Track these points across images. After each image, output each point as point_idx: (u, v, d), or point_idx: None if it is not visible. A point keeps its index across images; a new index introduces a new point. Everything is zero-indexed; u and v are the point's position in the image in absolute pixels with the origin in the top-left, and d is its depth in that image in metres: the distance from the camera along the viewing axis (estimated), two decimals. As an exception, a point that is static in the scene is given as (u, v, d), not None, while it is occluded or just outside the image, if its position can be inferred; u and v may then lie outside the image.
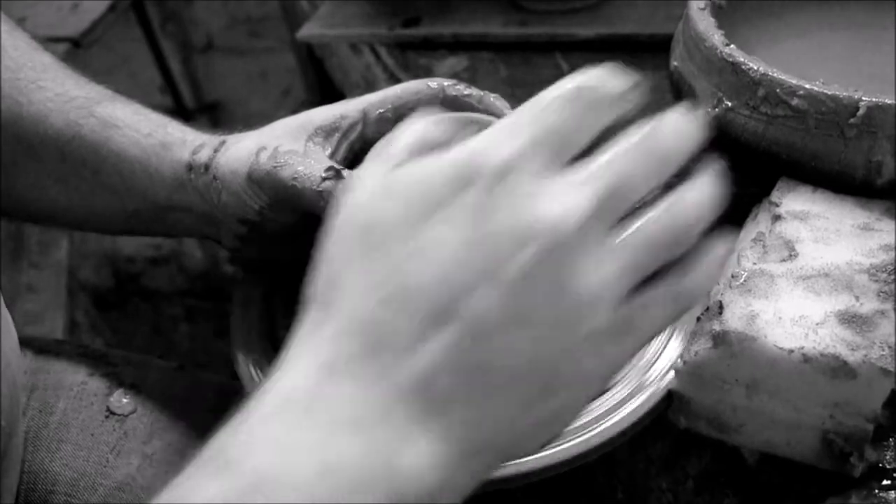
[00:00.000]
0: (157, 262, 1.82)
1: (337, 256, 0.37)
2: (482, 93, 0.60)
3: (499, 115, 0.59)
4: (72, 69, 0.65)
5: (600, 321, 0.35)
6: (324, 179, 0.54)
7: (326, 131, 0.57)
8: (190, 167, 0.59)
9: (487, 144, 0.36)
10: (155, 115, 0.63)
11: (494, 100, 0.60)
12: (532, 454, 0.49)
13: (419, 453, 0.33)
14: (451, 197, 0.35)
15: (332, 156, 0.57)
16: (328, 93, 1.08)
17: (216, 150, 0.58)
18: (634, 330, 0.37)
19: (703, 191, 0.39)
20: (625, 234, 0.36)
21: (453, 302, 0.34)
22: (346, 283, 0.35)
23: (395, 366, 0.34)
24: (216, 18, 1.97)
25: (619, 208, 0.36)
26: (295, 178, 0.54)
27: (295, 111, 0.60)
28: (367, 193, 0.37)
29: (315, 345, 0.35)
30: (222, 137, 0.60)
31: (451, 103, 0.58)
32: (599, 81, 0.37)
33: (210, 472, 0.33)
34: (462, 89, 0.59)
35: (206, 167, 0.58)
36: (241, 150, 0.57)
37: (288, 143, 0.56)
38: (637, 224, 0.36)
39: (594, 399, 0.48)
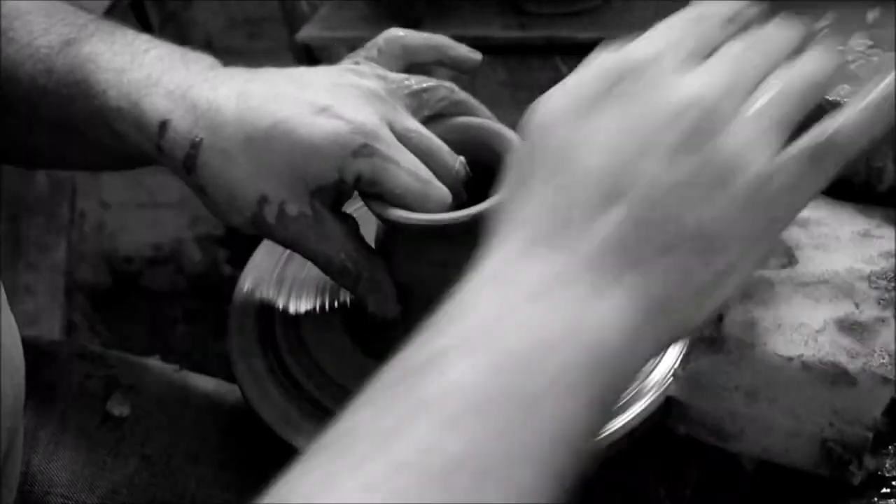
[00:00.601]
0: (155, 262, 1.82)
1: (522, 158, 0.43)
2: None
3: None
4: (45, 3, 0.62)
5: (750, 177, 0.40)
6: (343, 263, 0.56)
7: (327, 192, 0.55)
8: (160, 149, 0.56)
9: (633, 48, 0.43)
10: (120, 48, 0.58)
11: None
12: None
13: (607, 310, 0.38)
14: (606, 92, 0.41)
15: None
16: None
17: (194, 150, 0.55)
18: (782, 190, 0.41)
19: (816, 55, 0.44)
20: (759, 100, 0.41)
21: (619, 179, 0.39)
22: (529, 178, 0.41)
23: (578, 239, 0.39)
24: (215, 19, 1.97)
25: (751, 81, 0.42)
26: (314, 255, 0.56)
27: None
28: (541, 108, 0.43)
29: (509, 230, 0.41)
30: (192, 135, 0.55)
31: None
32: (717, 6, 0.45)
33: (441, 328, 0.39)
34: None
35: (186, 168, 0.55)
36: (233, 181, 0.55)
37: (292, 201, 0.55)
38: (767, 89, 0.42)
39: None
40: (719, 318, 0.51)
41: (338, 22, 1.09)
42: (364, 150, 0.53)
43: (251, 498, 0.35)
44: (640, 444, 0.54)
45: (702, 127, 0.40)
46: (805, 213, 0.56)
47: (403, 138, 0.55)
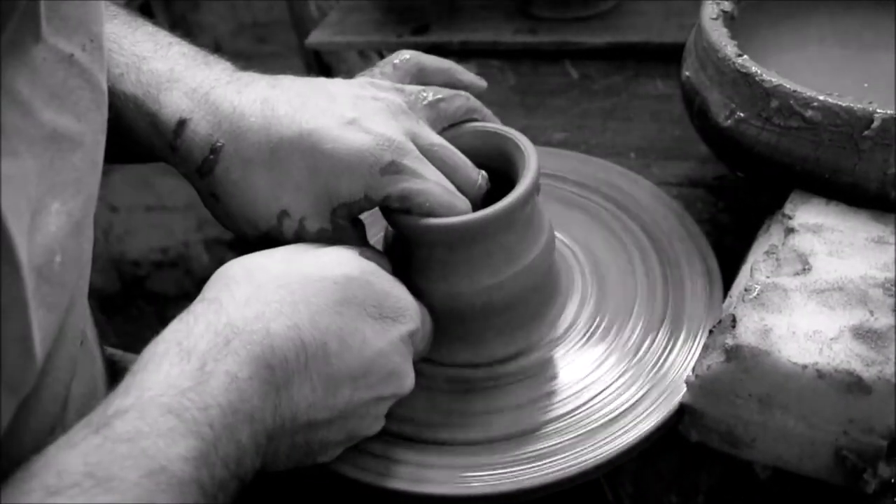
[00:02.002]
0: (163, 265, 1.82)
1: None
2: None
3: None
4: None
5: None
6: None
7: (350, 209, 0.54)
8: (173, 149, 0.55)
9: None
10: (142, 36, 0.58)
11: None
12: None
13: None
14: None
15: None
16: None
17: (214, 155, 0.54)
18: None
19: None
20: None
21: None
22: None
23: None
24: (223, 23, 1.97)
25: None
26: None
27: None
28: None
29: None
30: (213, 139, 0.54)
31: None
32: None
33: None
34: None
35: (201, 173, 0.54)
36: (252, 192, 0.54)
37: (312, 216, 0.54)
38: None
39: None
40: (733, 326, 0.50)
41: (347, 26, 1.08)
42: (392, 167, 0.53)
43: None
44: (650, 451, 0.54)
45: None
46: (819, 220, 0.56)
47: (428, 152, 0.55)
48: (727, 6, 0.67)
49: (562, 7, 0.98)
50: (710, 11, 0.66)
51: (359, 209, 0.55)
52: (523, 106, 0.89)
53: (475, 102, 0.61)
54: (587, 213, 0.67)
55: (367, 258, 0.53)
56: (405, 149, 0.53)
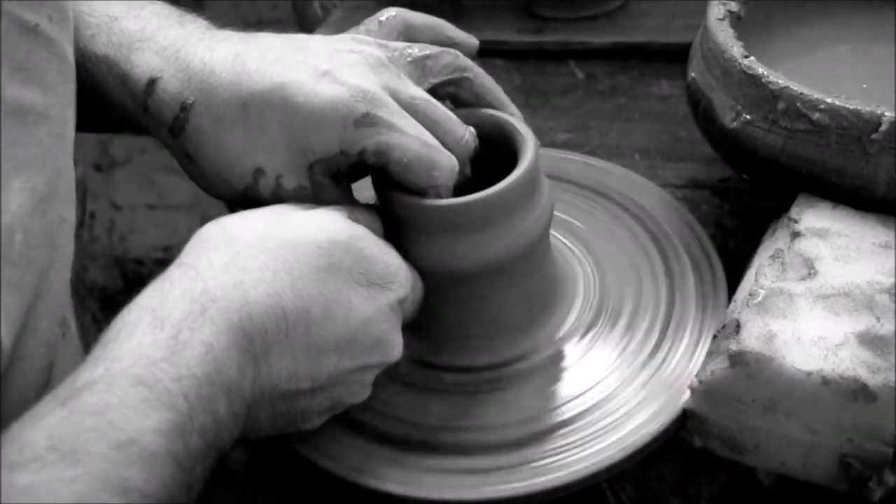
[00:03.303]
0: (165, 263, 1.81)
1: None
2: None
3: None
4: None
5: None
6: None
7: (327, 164, 0.52)
8: (145, 109, 0.53)
9: None
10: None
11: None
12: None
13: None
14: None
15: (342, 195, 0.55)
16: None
17: (184, 113, 0.52)
18: None
19: None
20: None
21: None
22: None
23: None
24: (228, 22, 1.98)
25: None
26: None
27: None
28: None
29: None
30: (183, 97, 0.52)
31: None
32: None
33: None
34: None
35: (173, 132, 0.53)
36: (225, 150, 0.52)
37: (288, 173, 0.52)
38: None
39: None
40: (737, 331, 0.50)
41: (350, 25, 1.07)
42: (366, 118, 0.51)
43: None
44: (653, 456, 0.53)
45: None
46: (825, 224, 0.55)
47: (408, 106, 0.53)
48: (734, 7, 0.66)
49: (567, 7, 0.97)
50: (716, 12, 0.65)
51: (336, 165, 0.52)
52: (527, 106, 0.88)
53: (464, 61, 0.58)
54: (590, 216, 0.67)
55: (356, 220, 0.51)
56: (381, 101, 0.51)
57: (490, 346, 0.58)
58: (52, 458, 0.37)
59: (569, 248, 0.64)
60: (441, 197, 0.53)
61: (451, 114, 0.55)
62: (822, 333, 0.49)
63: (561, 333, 0.59)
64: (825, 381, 0.47)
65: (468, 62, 0.59)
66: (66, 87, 0.46)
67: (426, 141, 0.52)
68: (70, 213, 0.48)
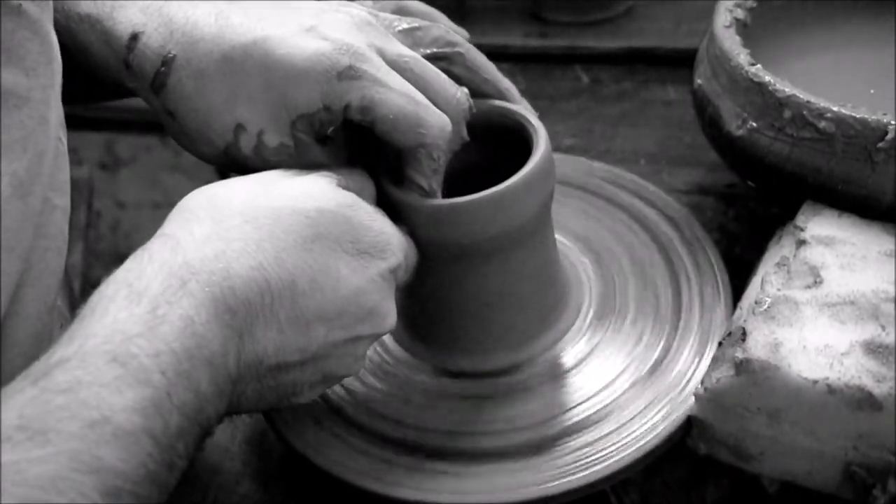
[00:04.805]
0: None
1: None
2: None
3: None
4: None
5: None
6: None
7: (310, 121, 0.51)
8: (127, 66, 0.52)
9: None
10: None
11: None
12: None
13: None
14: None
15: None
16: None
17: (165, 67, 0.51)
18: None
19: None
20: None
21: None
22: None
23: None
24: None
25: None
26: None
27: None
28: None
29: None
30: (165, 51, 0.51)
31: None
32: None
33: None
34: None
35: (155, 89, 0.52)
36: (206, 105, 0.51)
37: (272, 130, 0.51)
38: None
39: None
40: (743, 339, 0.50)
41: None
42: (350, 71, 0.49)
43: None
44: (657, 463, 0.54)
45: None
46: (831, 232, 0.55)
47: (395, 64, 0.52)
48: (740, 14, 0.66)
49: (573, 11, 0.98)
50: (722, 19, 0.65)
51: (320, 122, 0.51)
52: (534, 109, 0.88)
53: (455, 36, 0.57)
54: (596, 221, 0.67)
55: (345, 188, 0.50)
56: (366, 55, 0.50)
57: (497, 350, 0.58)
58: (21, 438, 0.36)
59: (573, 252, 0.64)
60: (433, 158, 0.52)
61: (441, 73, 0.54)
62: (827, 342, 0.49)
63: (567, 339, 0.59)
64: (831, 390, 0.47)
65: (459, 38, 0.58)
66: (49, 69, 0.45)
67: (413, 97, 0.51)
68: (62, 200, 0.48)
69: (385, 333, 0.51)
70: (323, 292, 0.46)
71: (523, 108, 0.58)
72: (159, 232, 0.46)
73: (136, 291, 0.42)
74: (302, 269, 0.46)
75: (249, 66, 0.50)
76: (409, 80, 0.52)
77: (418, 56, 0.53)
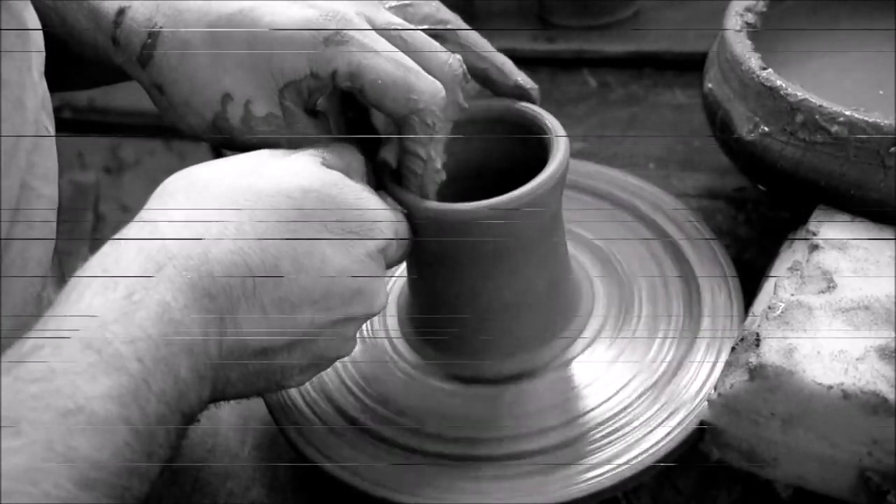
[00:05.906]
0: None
1: None
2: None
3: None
4: None
5: None
6: None
7: (298, 89, 0.50)
8: (115, 42, 0.52)
9: None
10: None
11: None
12: None
13: None
14: None
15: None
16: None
17: (151, 39, 0.51)
18: None
19: None
20: None
21: None
22: None
23: None
24: None
25: None
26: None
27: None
28: None
29: None
30: (151, 23, 0.51)
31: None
32: None
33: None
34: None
35: (142, 62, 0.51)
36: (192, 75, 0.50)
37: (259, 99, 0.50)
38: None
39: None
40: (757, 344, 0.50)
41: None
42: (336, 37, 0.49)
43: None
44: (672, 469, 0.53)
45: None
46: (844, 237, 0.55)
47: (385, 33, 0.51)
48: (750, 18, 0.66)
49: (580, 15, 0.97)
50: (733, 23, 0.65)
51: (308, 90, 0.51)
52: (541, 114, 0.88)
53: (447, 13, 0.57)
54: (606, 226, 0.67)
55: (331, 166, 0.49)
56: (353, 21, 0.50)
57: (510, 356, 0.58)
58: None
59: (583, 257, 0.64)
60: (427, 124, 0.51)
61: (432, 41, 0.53)
62: (841, 347, 0.49)
63: (578, 346, 0.59)
64: (846, 396, 0.47)
65: (450, 15, 0.57)
66: (26, 52, 0.45)
67: (402, 62, 0.50)
68: (47, 189, 0.47)
69: (376, 314, 0.50)
70: (307, 274, 0.45)
71: (545, 112, 0.58)
72: (138, 216, 0.45)
73: (112, 277, 0.41)
74: (285, 252, 0.45)
75: (235, 35, 0.50)
76: (398, 47, 0.51)
77: (407, 24, 0.53)
